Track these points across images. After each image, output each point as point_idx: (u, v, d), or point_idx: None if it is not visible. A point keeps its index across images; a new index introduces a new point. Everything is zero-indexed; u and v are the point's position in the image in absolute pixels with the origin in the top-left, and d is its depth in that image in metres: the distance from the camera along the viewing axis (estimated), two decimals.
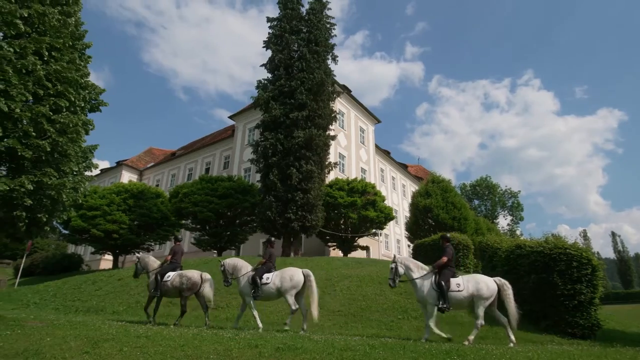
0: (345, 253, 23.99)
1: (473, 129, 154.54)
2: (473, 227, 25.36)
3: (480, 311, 7.09)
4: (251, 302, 8.49)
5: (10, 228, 7.88)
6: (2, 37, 6.83)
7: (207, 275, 9.26)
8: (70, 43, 8.24)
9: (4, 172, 7.03)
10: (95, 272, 19.77)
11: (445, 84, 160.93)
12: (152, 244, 26.46)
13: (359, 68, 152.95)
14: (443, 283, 7.16)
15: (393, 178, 42.10)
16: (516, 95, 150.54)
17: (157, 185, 40.81)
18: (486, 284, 7.21)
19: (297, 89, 20.58)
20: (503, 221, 57.54)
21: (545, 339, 8.90)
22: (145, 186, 26.27)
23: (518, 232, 55.82)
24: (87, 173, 9.50)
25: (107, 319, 9.75)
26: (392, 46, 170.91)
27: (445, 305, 7.11)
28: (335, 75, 23.16)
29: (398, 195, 42.18)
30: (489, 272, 12.36)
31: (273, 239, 9.58)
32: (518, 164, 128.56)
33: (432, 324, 7.25)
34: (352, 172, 31.82)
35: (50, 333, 6.68)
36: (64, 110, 7.72)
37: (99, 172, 44.99)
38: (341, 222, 23.51)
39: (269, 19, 22.78)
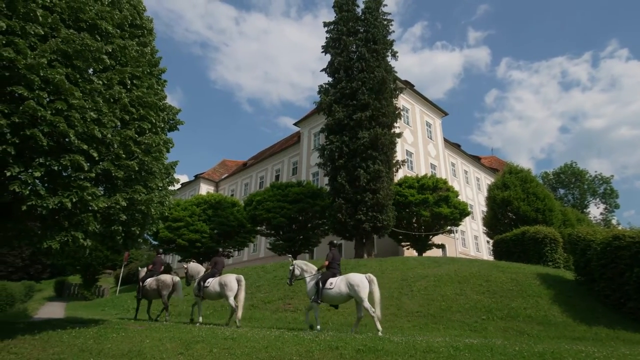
0: (420, 252, 23.33)
1: (551, 112, 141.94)
2: (560, 218, 23.31)
3: (365, 304, 7.92)
4: (198, 300, 10.60)
5: (110, 241, 8.78)
6: (92, 72, 7.65)
7: (177, 279, 11.39)
8: (148, 70, 8.99)
9: (102, 192, 7.83)
10: (182, 279, 21.25)
11: (515, 67, 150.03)
12: (232, 250, 27.87)
13: (419, 61, 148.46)
14: (320, 282, 8.54)
15: (465, 172, 40.18)
16: (600, 70, 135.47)
17: (232, 195, 43.00)
18: (355, 282, 8.07)
19: (358, 89, 20.51)
20: (595, 210, 52.41)
21: None
22: (222, 196, 27.77)
23: (614, 222, 50.24)
24: (171, 188, 10.25)
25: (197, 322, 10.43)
26: (453, 34, 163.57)
27: (317, 300, 8.50)
28: (396, 72, 22.70)
29: (472, 189, 40.16)
30: (583, 267, 11.28)
31: (220, 249, 11.94)
32: (608, 146, 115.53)
33: (312, 314, 8.89)
34: (421, 169, 30.93)
35: (149, 335, 7.31)
36: (147, 131, 8.42)
37: (180, 186, 48.57)
38: (413, 220, 22.91)
39: (325, 24, 23.00)
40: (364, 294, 7.96)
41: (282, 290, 13.47)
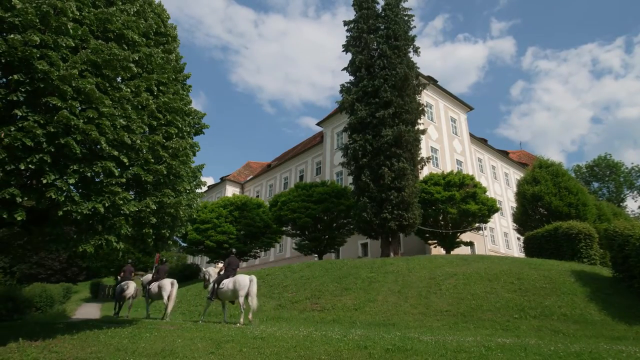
0: (448, 250, 22.95)
1: (582, 102, 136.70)
2: (595, 213, 22.39)
3: (241, 300, 9.87)
4: (146, 300, 13.24)
5: (141, 244, 9.06)
6: (120, 80, 7.90)
7: (134, 285, 13.76)
8: (174, 76, 9.20)
9: (132, 196, 8.07)
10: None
11: (542, 56, 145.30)
12: (258, 251, 28.21)
13: (441, 55, 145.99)
14: (215, 283, 10.58)
15: (493, 167, 39.22)
16: (634, 56, 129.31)
17: (258, 196, 43.49)
18: (239, 282, 9.97)
19: (380, 87, 20.36)
20: (632, 204, 50.36)
21: None
22: (247, 198, 28.12)
23: None
24: (198, 190, 10.48)
25: (226, 322, 10.61)
26: (475, 25, 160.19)
27: (211, 298, 10.63)
28: (418, 68, 22.42)
29: (501, 185, 39.17)
30: (621, 263, 10.79)
31: (165, 259, 14.38)
32: None
33: (205, 311, 11.41)
34: (446, 166, 30.41)
35: (181, 335, 7.48)
36: (174, 136, 8.63)
37: (206, 188, 49.44)
38: (440, 218, 22.56)
39: (345, 22, 22.94)
40: (243, 292, 9.86)
41: (309, 289, 13.52)
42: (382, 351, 5.57)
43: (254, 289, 9.97)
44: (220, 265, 11.45)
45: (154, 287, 12.54)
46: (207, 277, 11.51)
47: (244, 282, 9.96)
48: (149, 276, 13.83)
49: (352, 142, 20.82)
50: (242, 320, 9.83)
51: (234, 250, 11.90)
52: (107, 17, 7.45)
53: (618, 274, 11.15)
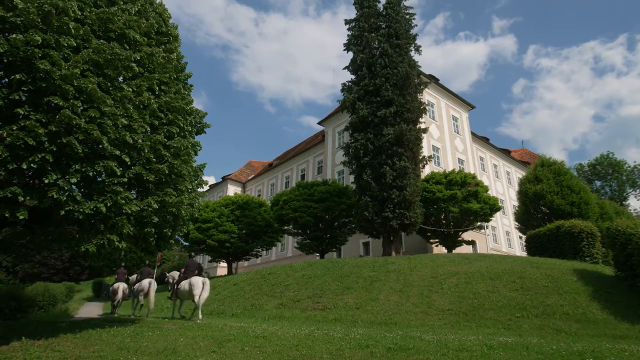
0: (450, 249, 22.93)
1: (584, 100, 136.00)
2: (597, 212, 22.33)
3: (195, 298, 10.84)
4: (132, 299, 14.41)
5: (143, 243, 9.09)
6: (122, 80, 7.91)
7: (124, 286, 14.76)
8: (175, 76, 9.21)
9: (134, 196, 8.09)
10: (213, 278, 21.69)
11: (543, 54, 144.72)
12: (260, 250, 28.22)
13: (442, 53, 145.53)
14: (176, 284, 11.83)
15: (495, 166, 39.17)
16: (636, 53, 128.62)
17: (259, 195, 43.51)
18: (191, 283, 10.99)
19: (382, 86, 20.33)
20: (635, 203, 50.17)
21: None
22: (249, 197, 28.13)
23: None
24: (199, 189, 10.50)
25: (228, 321, 10.64)
26: (476, 23, 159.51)
27: (171, 297, 12.16)
28: (420, 66, 22.36)
29: (502, 183, 39.11)
30: (623, 262, 10.76)
31: (148, 261, 16.63)
32: None
33: (175, 307, 12.54)
34: (448, 164, 30.38)
35: (183, 334, 7.50)
36: (176, 135, 8.65)
37: (208, 188, 49.48)
38: (442, 217, 22.52)
39: (346, 21, 22.90)
40: (197, 292, 10.82)
41: (311, 288, 13.54)
42: (383, 350, 5.57)
43: (207, 291, 11.07)
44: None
45: (137, 286, 13.78)
46: (171, 280, 13.13)
47: (197, 283, 10.98)
48: (132, 279, 15.44)
49: (353, 141, 20.80)
50: (200, 315, 10.89)
51: (192, 253, 13.62)
52: (108, 17, 7.46)
53: (620, 273, 11.12)
